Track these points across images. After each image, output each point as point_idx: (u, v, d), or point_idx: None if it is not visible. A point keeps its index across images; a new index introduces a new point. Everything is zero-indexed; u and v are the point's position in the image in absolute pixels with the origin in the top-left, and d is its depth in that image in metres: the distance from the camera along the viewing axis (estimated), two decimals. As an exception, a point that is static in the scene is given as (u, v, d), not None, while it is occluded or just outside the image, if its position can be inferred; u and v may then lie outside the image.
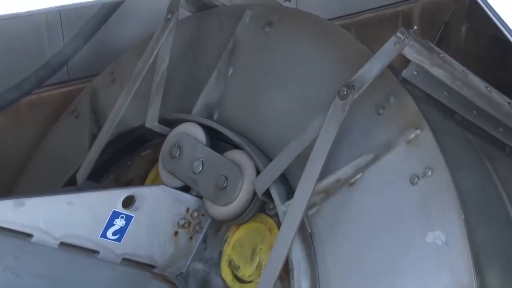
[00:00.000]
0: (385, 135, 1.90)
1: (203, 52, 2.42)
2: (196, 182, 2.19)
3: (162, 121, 2.36)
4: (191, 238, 2.26)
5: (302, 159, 1.93)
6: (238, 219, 2.13)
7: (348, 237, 1.89)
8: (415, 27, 1.88)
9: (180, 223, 2.23)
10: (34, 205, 2.03)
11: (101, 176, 2.57)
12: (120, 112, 2.40)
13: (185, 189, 2.25)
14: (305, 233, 1.94)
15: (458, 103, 2.02)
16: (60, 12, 2.89)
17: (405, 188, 1.83)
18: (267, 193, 2.04)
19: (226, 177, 2.11)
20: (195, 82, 2.37)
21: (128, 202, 2.15)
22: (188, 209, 2.24)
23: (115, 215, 2.13)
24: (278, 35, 2.23)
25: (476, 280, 1.73)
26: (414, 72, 1.93)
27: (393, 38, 1.83)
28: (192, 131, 2.26)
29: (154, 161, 2.46)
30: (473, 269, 1.73)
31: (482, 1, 1.96)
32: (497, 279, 1.85)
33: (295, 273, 1.91)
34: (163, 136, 2.34)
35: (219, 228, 2.25)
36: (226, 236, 2.22)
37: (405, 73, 1.93)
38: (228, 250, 2.20)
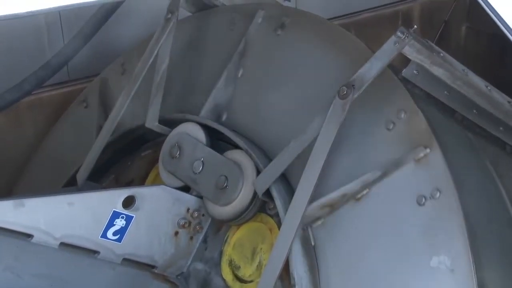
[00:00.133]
0: (393, 152, 1.87)
1: (213, 51, 2.40)
2: (196, 182, 2.19)
3: (162, 121, 2.35)
4: (191, 238, 2.26)
5: (302, 158, 1.93)
6: (238, 219, 2.12)
7: (352, 252, 1.87)
8: (415, 26, 1.87)
9: (181, 223, 2.23)
10: (34, 206, 2.03)
11: (101, 176, 2.57)
12: (120, 112, 2.40)
13: (186, 189, 2.25)
14: (309, 246, 1.93)
15: (458, 102, 2.02)
16: (60, 13, 2.89)
17: (412, 208, 1.81)
18: (268, 192, 2.04)
19: (226, 177, 2.11)
20: (203, 81, 2.36)
21: (129, 202, 2.14)
22: (188, 209, 2.24)
23: (116, 215, 2.13)
24: (290, 39, 2.20)
25: None
26: (414, 71, 1.93)
27: (393, 38, 1.83)
28: (192, 131, 2.26)
29: (154, 161, 2.46)
30: None
31: (482, 0, 1.96)
32: (498, 279, 1.84)
33: None
34: (163, 136, 2.34)
35: (220, 228, 2.25)
36: (227, 236, 2.22)
37: (405, 72, 1.93)
38: (228, 250, 2.20)
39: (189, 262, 2.28)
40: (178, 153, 2.25)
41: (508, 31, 1.93)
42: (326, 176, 1.93)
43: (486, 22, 2.02)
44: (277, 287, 1.96)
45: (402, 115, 1.89)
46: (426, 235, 1.78)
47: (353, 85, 1.87)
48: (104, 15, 2.80)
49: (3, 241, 2.01)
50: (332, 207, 1.91)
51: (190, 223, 2.24)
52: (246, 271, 2.15)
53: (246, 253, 2.16)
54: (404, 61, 1.91)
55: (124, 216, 2.14)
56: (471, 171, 2.01)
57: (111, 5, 2.77)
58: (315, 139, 1.91)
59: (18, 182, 2.89)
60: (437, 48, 1.92)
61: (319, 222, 1.93)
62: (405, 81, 1.94)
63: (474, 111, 2.06)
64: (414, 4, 3.87)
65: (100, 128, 2.54)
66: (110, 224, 2.13)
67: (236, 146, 2.17)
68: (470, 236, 1.74)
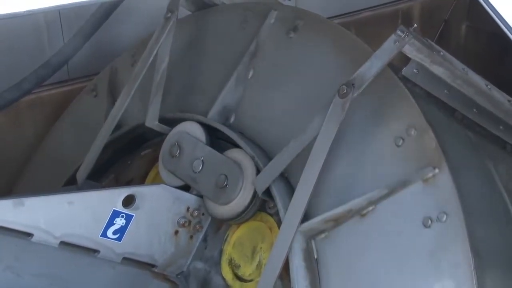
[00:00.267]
0: (401, 169, 1.85)
1: (223, 50, 2.37)
2: (196, 181, 2.19)
3: (162, 120, 2.35)
4: (191, 237, 2.26)
5: (302, 158, 1.93)
6: (238, 218, 2.12)
7: (355, 267, 1.86)
8: (415, 25, 1.87)
9: (181, 222, 2.23)
10: (34, 205, 2.03)
11: (101, 176, 2.57)
12: (120, 112, 2.40)
13: (185, 188, 2.25)
14: (311, 259, 1.91)
15: (458, 101, 2.02)
16: (60, 12, 2.89)
17: (417, 229, 1.78)
18: (268, 191, 2.04)
19: (226, 176, 2.11)
20: (212, 81, 2.33)
21: (128, 201, 2.14)
22: (188, 208, 2.24)
23: (115, 214, 2.13)
24: (302, 43, 2.17)
25: None
26: (414, 70, 1.93)
27: (393, 36, 1.82)
28: (192, 130, 2.26)
29: (154, 160, 2.46)
30: None
31: (482, -1, 1.96)
32: (498, 279, 1.84)
33: None
34: (163, 135, 2.34)
35: (220, 227, 2.25)
36: (227, 235, 2.22)
37: (405, 71, 1.93)
38: (228, 249, 2.20)
39: (189, 261, 2.28)
40: (178, 152, 2.25)
41: (508, 30, 1.93)
42: (332, 190, 1.92)
43: (486, 21, 2.02)
44: (277, 286, 1.96)
45: (412, 132, 1.86)
46: (431, 258, 1.75)
47: (353, 84, 1.87)
48: (104, 14, 2.80)
49: (3, 240, 2.01)
50: (337, 221, 1.89)
51: (190, 222, 2.24)
52: (246, 270, 2.15)
53: (246, 252, 2.16)
54: (404, 60, 1.91)
55: (124, 215, 2.14)
56: (471, 170, 2.01)
57: (111, 4, 2.77)
58: (315, 138, 1.91)
59: (36, 155, 2.87)
60: (437, 47, 1.92)
61: (323, 235, 1.91)
62: (405, 80, 1.94)
63: (474, 110, 2.06)
64: (414, 3, 3.87)
65: None
66: (110, 223, 2.13)
67: (236, 145, 2.16)
68: (476, 261, 1.72)
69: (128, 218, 2.15)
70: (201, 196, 2.22)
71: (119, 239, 2.15)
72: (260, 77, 2.23)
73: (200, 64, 2.42)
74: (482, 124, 2.10)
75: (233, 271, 2.18)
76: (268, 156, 2.08)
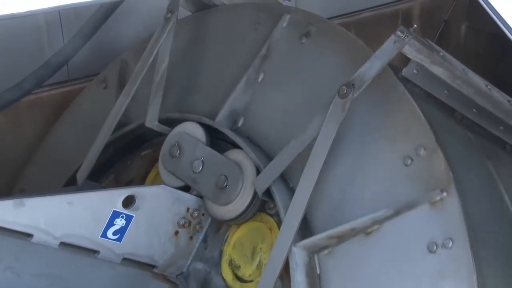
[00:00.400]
0: (409, 190, 1.82)
1: (234, 50, 2.35)
2: (196, 182, 2.19)
3: (162, 120, 2.35)
4: (191, 237, 2.26)
5: (302, 158, 1.93)
6: (238, 218, 2.12)
7: (357, 285, 1.84)
8: (415, 25, 1.87)
9: (181, 223, 2.23)
10: (34, 205, 2.03)
11: (101, 176, 2.57)
12: (120, 112, 2.40)
13: (185, 188, 2.25)
14: (314, 274, 1.91)
15: (458, 101, 2.02)
16: (60, 12, 2.89)
17: (422, 253, 1.76)
18: (268, 192, 2.04)
19: (226, 177, 2.11)
20: (221, 82, 2.31)
21: (129, 201, 2.14)
22: (188, 209, 2.24)
23: (116, 214, 2.13)
24: (314, 49, 2.14)
25: None
26: (414, 71, 1.93)
27: (393, 37, 1.83)
28: (192, 131, 2.26)
29: (154, 161, 2.46)
30: None
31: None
32: (498, 279, 1.84)
33: None
34: (163, 136, 2.34)
35: (220, 227, 2.25)
36: (227, 235, 2.22)
37: (405, 71, 1.93)
38: (228, 250, 2.20)
39: (189, 262, 2.28)
40: (178, 152, 2.25)
41: (508, 30, 1.93)
42: (337, 206, 1.91)
43: (486, 21, 2.02)
44: (277, 286, 1.96)
45: (422, 152, 1.83)
46: (434, 284, 1.74)
47: (353, 85, 1.87)
48: (104, 15, 2.80)
49: (3, 241, 2.01)
50: (341, 238, 1.88)
51: (190, 222, 2.24)
52: (246, 271, 2.15)
53: (246, 253, 2.16)
54: (404, 60, 1.91)
55: (124, 216, 2.14)
56: (471, 170, 2.01)
57: (111, 4, 2.77)
58: (315, 138, 1.91)
59: (44, 142, 2.86)
60: (437, 47, 1.92)
61: (326, 251, 1.90)
62: (405, 81, 1.94)
63: (474, 110, 2.06)
64: (414, 3, 3.87)
65: None
66: (110, 223, 2.13)
67: (237, 146, 2.16)
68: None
69: (128, 218, 2.15)
70: (201, 197, 2.22)
71: (119, 239, 2.15)
72: (270, 81, 2.20)
73: (210, 64, 2.39)
74: (482, 124, 2.10)
75: (233, 271, 2.18)
76: (269, 157, 2.08)
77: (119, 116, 2.40)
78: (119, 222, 2.14)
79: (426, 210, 1.78)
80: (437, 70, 1.91)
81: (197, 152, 2.21)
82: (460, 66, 1.96)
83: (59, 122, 2.87)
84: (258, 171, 2.07)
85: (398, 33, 1.81)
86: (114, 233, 2.14)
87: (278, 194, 2.00)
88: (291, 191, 1.98)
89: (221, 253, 2.22)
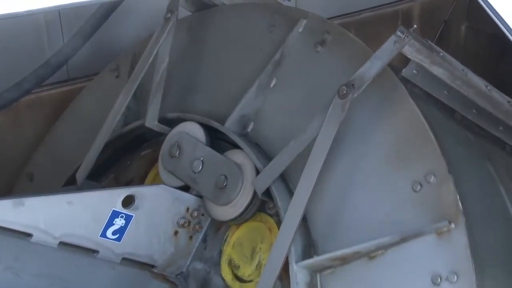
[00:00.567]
0: (416, 218, 1.79)
1: (246, 52, 2.31)
2: (196, 182, 2.19)
3: (162, 120, 2.35)
4: (191, 237, 2.26)
5: (302, 158, 1.93)
6: (238, 218, 2.12)
7: None
8: (415, 26, 1.87)
9: (180, 223, 2.23)
10: (33, 205, 2.03)
11: (101, 176, 2.57)
12: (120, 112, 2.40)
13: (185, 188, 2.25)
14: None
15: (458, 102, 2.02)
16: (60, 12, 2.89)
17: (425, 285, 1.74)
18: (267, 192, 2.04)
19: (226, 177, 2.11)
20: (231, 84, 2.28)
21: (128, 201, 2.14)
22: (188, 209, 2.24)
23: (115, 214, 2.13)
24: (328, 58, 2.09)
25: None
26: (414, 71, 1.93)
27: (393, 37, 1.83)
28: (192, 131, 2.26)
29: (154, 161, 2.46)
30: None
31: (482, 0, 1.96)
32: (498, 279, 1.84)
33: None
34: (163, 136, 2.34)
35: (219, 227, 2.25)
36: (226, 235, 2.22)
37: (405, 72, 1.93)
38: (228, 250, 2.20)
39: (188, 262, 2.28)
40: (177, 152, 2.25)
41: (508, 30, 1.93)
42: (342, 228, 1.89)
43: (486, 22, 2.02)
44: (276, 287, 1.96)
45: (432, 179, 1.80)
46: None
47: (352, 85, 1.87)
48: (104, 14, 2.80)
49: (3, 241, 2.01)
50: (344, 260, 1.86)
51: (189, 222, 2.24)
52: (245, 271, 2.15)
53: (245, 253, 2.16)
54: (404, 60, 1.91)
55: (124, 216, 2.14)
56: (471, 171, 2.01)
57: (111, 4, 2.77)
58: (314, 138, 1.91)
59: (53, 129, 2.84)
60: (436, 47, 1.92)
61: (329, 271, 1.89)
62: (405, 81, 1.94)
63: (474, 110, 2.06)
64: (414, 4, 3.87)
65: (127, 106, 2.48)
66: (110, 223, 2.13)
67: (237, 146, 2.16)
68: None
69: (128, 218, 2.15)
70: (200, 197, 2.22)
71: (118, 239, 2.15)
72: (282, 88, 2.16)
73: (228, 63, 2.35)
74: (482, 125, 2.10)
75: (232, 271, 2.18)
76: (269, 158, 2.08)
77: (119, 116, 2.40)
78: (119, 222, 2.14)
79: (432, 241, 1.76)
80: (437, 71, 1.91)
81: (197, 152, 2.21)
82: (460, 66, 1.96)
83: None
84: (257, 172, 2.07)
85: (398, 33, 1.81)
86: (114, 233, 2.14)
87: (278, 194, 2.00)
88: (291, 191, 1.98)
89: (220, 253, 2.22)
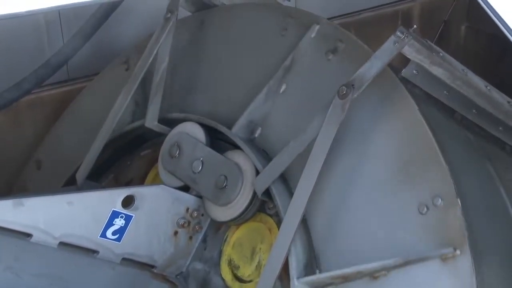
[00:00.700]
0: (421, 241, 1.77)
1: (257, 54, 2.27)
2: (195, 182, 2.19)
3: (162, 120, 2.35)
4: (190, 237, 2.26)
5: (302, 159, 1.93)
6: (237, 218, 2.12)
7: None
8: (415, 26, 1.87)
9: (180, 223, 2.23)
10: (33, 205, 2.03)
11: (101, 176, 2.57)
12: (120, 112, 2.40)
13: (185, 188, 2.25)
14: None
15: (458, 102, 2.02)
16: (60, 12, 2.89)
17: None
18: (267, 192, 2.04)
19: (225, 177, 2.11)
20: (239, 87, 2.26)
21: (128, 201, 2.14)
22: (187, 209, 2.24)
23: (115, 214, 2.13)
24: (339, 67, 2.05)
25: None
26: (414, 71, 1.93)
27: (392, 37, 1.83)
28: (192, 131, 2.26)
29: (153, 161, 2.46)
30: None
31: (481, 0, 1.96)
32: (498, 279, 1.84)
33: None
34: (163, 136, 2.34)
35: (219, 227, 2.25)
36: (226, 235, 2.22)
37: (404, 72, 1.93)
38: (227, 250, 2.20)
39: (188, 262, 2.28)
40: (177, 152, 2.25)
41: (507, 31, 1.93)
42: (346, 246, 1.88)
43: (486, 22, 2.02)
44: (276, 287, 1.96)
45: (439, 202, 1.77)
46: None
47: (352, 85, 1.87)
48: (104, 14, 2.80)
49: (3, 241, 2.01)
50: (346, 279, 1.85)
51: (189, 222, 2.24)
52: (245, 271, 2.15)
53: (245, 253, 2.16)
54: (404, 61, 1.91)
55: (124, 216, 2.14)
56: (471, 171, 2.01)
57: (111, 4, 2.77)
58: (314, 139, 1.91)
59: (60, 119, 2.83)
60: (436, 48, 1.92)
61: (331, 287, 1.88)
62: (405, 81, 1.94)
63: (474, 111, 2.06)
64: (414, 4, 3.87)
65: (135, 101, 2.48)
66: (110, 223, 2.13)
67: (237, 146, 2.16)
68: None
69: (128, 218, 2.15)
70: (200, 197, 2.22)
71: (118, 239, 2.15)
72: (292, 94, 2.13)
73: (230, 65, 2.34)
74: (482, 125, 2.10)
75: (232, 271, 2.18)
76: (269, 159, 2.08)
77: (118, 116, 2.40)
78: (119, 222, 2.14)
79: (437, 266, 1.74)
80: (437, 71, 1.91)
81: (196, 152, 2.21)
82: (460, 66, 1.96)
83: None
84: (257, 172, 2.07)
85: (398, 33, 1.81)
86: (114, 233, 2.14)
87: (278, 195, 2.00)
88: (291, 191, 1.98)
89: (220, 253, 2.22)
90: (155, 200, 2.19)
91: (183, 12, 2.52)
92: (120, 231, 2.15)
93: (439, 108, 2.01)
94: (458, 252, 1.73)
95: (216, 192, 2.13)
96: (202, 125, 2.25)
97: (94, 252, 2.14)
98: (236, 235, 2.20)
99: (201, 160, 2.18)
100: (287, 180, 2.03)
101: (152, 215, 2.18)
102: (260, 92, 2.16)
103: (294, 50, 2.15)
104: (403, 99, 1.91)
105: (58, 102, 2.96)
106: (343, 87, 1.88)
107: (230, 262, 2.19)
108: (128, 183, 2.54)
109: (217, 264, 2.22)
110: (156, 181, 2.40)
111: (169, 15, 2.40)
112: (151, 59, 2.40)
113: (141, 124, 2.39)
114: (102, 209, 2.12)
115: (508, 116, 2.06)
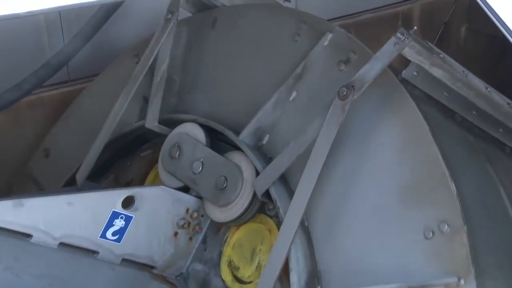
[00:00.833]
0: (424, 268, 1.74)
1: (267, 59, 2.24)
2: (195, 183, 2.19)
3: (163, 121, 2.35)
4: (190, 238, 2.26)
5: (302, 159, 1.93)
6: (237, 219, 2.12)
7: None
8: (415, 27, 1.87)
9: (180, 224, 2.23)
10: (33, 206, 2.03)
11: (101, 176, 2.57)
12: (120, 112, 2.40)
13: (185, 189, 2.25)
14: None
15: (458, 103, 2.02)
16: (60, 12, 2.89)
17: None
18: (267, 193, 2.04)
19: (226, 178, 2.11)
20: (249, 92, 2.24)
21: (128, 202, 2.14)
22: (187, 210, 2.24)
23: (115, 215, 2.13)
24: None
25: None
26: (414, 73, 1.93)
27: (393, 39, 1.83)
28: (192, 132, 2.26)
29: (153, 162, 2.46)
30: None
31: (481, 1, 1.96)
32: (498, 280, 1.84)
33: None
34: (163, 137, 2.34)
35: (219, 228, 2.25)
36: (226, 236, 2.22)
37: (405, 73, 1.93)
38: (227, 251, 2.20)
39: (188, 263, 2.28)
40: (177, 153, 2.25)
41: (507, 32, 1.93)
42: (348, 268, 1.87)
43: (486, 23, 2.02)
44: (276, 288, 1.96)
45: (445, 228, 1.74)
46: None
47: (352, 86, 1.87)
48: (104, 15, 2.81)
49: (3, 241, 2.01)
50: None
51: (189, 223, 2.25)
52: (245, 272, 2.15)
53: (245, 254, 2.16)
54: (404, 62, 1.91)
55: (124, 216, 2.14)
56: (470, 172, 2.01)
57: (111, 5, 2.78)
58: (314, 140, 1.91)
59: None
60: (436, 49, 1.92)
61: None
62: (405, 82, 1.94)
63: (474, 112, 2.06)
64: (414, 5, 3.87)
65: (143, 97, 2.46)
66: (110, 224, 2.13)
67: (237, 147, 2.16)
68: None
69: (128, 219, 2.15)
70: (200, 198, 2.22)
71: (118, 240, 2.15)
72: (302, 102, 2.10)
73: (239, 68, 2.31)
74: (482, 126, 2.10)
75: (232, 272, 2.18)
76: (269, 160, 2.08)
77: (119, 117, 2.40)
78: (119, 223, 2.14)
79: None
80: (437, 72, 1.91)
81: (196, 153, 2.21)
82: (460, 68, 1.96)
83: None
84: (257, 173, 2.07)
85: (398, 35, 1.81)
86: (114, 234, 2.14)
87: (278, 196, 2.00)
88: (291, 192, 1.98)
89: (220, 254, 2.22)
90: (155, 201, 2.19)
91: (183, 12, 2.52)
92: (120, 232, 2.15)
93: (439, 109, 2.01)
94: (462, 282, 1.69)
95: (216, 193, 2.13)
96: (203, 126, 2.25)
97: (94, 252, 2.14)
98: (236, 236, 2.20)
99: (201, 161, 2.18)
100: (287, 181, 2.03)
101: (152, 216, 2.18)
102: (269, 98, 2.13)
103: (306, 58, 2.12)
104: (403, 100, 1.91)
105: (58, 102, 2.96)
106: (344, 88, 1.88)
107: (230, 263, 2.19)
108: (128, 184, 2.54)
109: (217, 265, 2.22)
110: (156, 181, 2.40)
111: (169, 16, 2.40)
112: (151, 60, 2.40)
113: (142, 124, 2.39)
114: (102, 209, 2.12)
115: (508, 117, 2.06)
